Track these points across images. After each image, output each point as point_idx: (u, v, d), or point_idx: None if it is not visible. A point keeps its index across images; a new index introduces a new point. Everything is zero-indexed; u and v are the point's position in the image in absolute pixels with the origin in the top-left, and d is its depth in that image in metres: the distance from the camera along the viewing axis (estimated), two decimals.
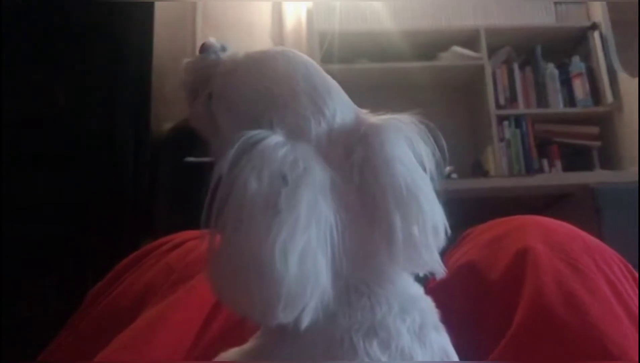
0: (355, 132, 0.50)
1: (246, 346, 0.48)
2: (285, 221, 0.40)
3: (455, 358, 0.47)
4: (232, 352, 0.48)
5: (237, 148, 0.43)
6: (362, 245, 0.47)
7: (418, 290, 0.50)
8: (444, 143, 0.51)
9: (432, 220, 0.48)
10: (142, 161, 1.65)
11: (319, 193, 0.43)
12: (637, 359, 0.51)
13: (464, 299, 0.63)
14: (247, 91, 0.52)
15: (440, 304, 0.50)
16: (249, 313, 0.43)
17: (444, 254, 0.72)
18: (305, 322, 0.41)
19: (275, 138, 0.45)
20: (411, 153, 0.49)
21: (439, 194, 0.50)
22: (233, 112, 0.51)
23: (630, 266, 0.63)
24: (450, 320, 0.49)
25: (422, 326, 0.45)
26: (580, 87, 2.61)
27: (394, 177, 0.46)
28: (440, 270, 0.49)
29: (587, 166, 2.56)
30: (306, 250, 0.41)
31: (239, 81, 0.52)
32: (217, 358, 0.49)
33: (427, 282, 0.51)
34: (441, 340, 0.47)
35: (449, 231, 0.49)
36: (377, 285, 0.46)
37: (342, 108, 0.51)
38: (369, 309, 0.44)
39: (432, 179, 0.50)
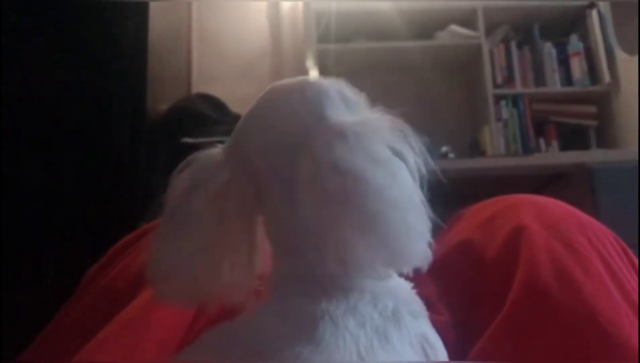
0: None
1: (235, 319, 0.48)
2: None
3: (439, 344, 0.49)
4: (220, 327, 0.48)
5: None
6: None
7: (399, 282, 0.51)
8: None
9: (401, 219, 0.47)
10: (138, 142, 1.65)
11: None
12: (630, 336, 0.51)
13: (459, 277, 0.63)
14: None
15: (435, 282, 0.50)
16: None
17: (440, 233, 0.73)
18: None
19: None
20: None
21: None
22: None
23: (624, 244, 0.64)
24: (446, 298, 0.49)
25: (395, 311, 0.47)
26: (577, 67, 2.60)
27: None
28: (420, 264, 0.48)
29: (584, 146, 2.56)
30: None
31: None
32: (204, 335, 0.49)
33: None
34: (420, 326, 0.48)
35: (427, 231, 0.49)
36: (351, 279, 0.48)
37: None
38: (342, 296, 0.47)
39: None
